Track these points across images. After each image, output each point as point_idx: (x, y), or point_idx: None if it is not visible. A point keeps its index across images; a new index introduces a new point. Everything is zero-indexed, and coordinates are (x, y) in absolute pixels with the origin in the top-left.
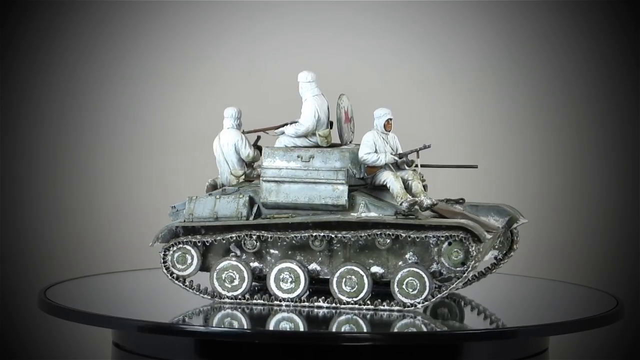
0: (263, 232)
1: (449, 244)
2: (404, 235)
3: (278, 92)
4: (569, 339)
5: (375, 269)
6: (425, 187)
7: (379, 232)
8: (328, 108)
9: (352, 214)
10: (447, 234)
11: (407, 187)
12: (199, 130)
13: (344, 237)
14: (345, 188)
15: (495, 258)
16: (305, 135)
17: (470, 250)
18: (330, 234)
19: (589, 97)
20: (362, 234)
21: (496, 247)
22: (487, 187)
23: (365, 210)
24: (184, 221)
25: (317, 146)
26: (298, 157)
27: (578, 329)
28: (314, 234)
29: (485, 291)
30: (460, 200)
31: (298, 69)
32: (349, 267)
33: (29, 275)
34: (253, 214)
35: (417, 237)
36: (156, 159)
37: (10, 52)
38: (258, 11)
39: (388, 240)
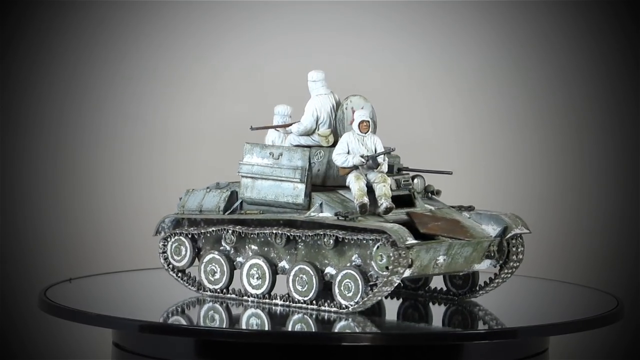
0: (237, 227)
1: (377, 247)
2: (340, 236)
3: (278, 92)
4: (569, 339)
5: (328, 269)
6: (437, 192)
7: (321, 233)
8: (333, 108)
9: (307, 213)
10: (369, 237)
11: (373, 190)
12: (199, 130)
13: (297, 236)
14: (302, 187)
15: (495, 267)
16: (307, 134)
17: (390, 254)
18: (286, 232)
19: (589, 97)
20: (309, 234)
21: (491, 256)
22: (487, 188)
23: (318, 210)
24: (176, 213)
25: (319, 146)
26: (270, 154)
27: (578, 329)
28: (274, 232)
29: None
30: (470, 208)
31: (298, 69)
32: (300, 266)
33: (29, 275)
34: (232, 209)
35: (352, 239)
36: (156, 158)
37: (10, 52)
38: (258, 11)
39: (331, 241)
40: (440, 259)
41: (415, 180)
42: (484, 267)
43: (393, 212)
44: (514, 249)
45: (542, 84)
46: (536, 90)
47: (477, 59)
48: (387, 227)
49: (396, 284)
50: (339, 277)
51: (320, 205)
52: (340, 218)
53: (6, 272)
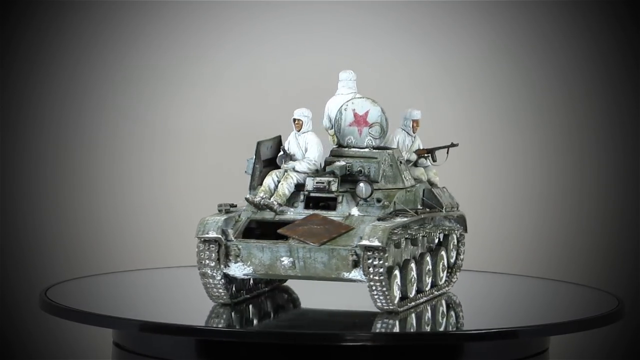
0: None
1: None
2: None
3: (278, 91)
4: (569, 339)
5: None
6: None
7: None
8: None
9: None
10: None
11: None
12: (199, 130)
13: None
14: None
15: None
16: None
17: (197, 246)
18: None
19: (589, 96)
20: None
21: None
22: (487, 188)
23: None
24: None
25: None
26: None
27: (579, 329)
28: None
29: (486, 291)
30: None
31: (298, 69)
32: None
33: (30, 275)
34: None
35: None
36: (156, 159)
37: (10, 51)
38: (258, 11)
39: None
40: (285, 260)
41: (360, 185)
42: (358, 276)
43: (293, 211)
44: (368, 261)
45: (542, 84)
46: (536, 90)
47: (477, 59)
48: (201, 219)
49: (218, 278)
50: None
51: None
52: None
53: (7, 271)
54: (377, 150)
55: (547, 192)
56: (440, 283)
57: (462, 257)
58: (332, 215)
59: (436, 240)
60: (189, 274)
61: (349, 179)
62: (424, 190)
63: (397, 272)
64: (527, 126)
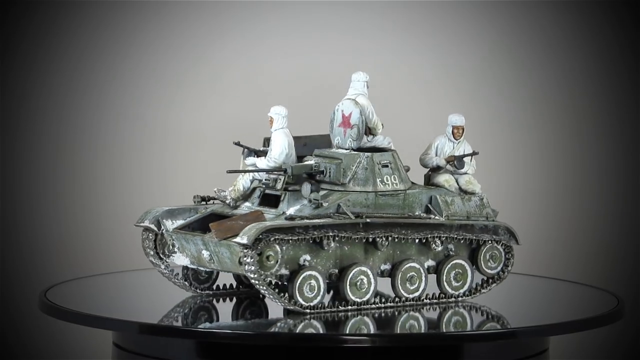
0: None
1: None
2: None
3: (278, 91)
4: (569, 338)
5: None
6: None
7: None
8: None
9: None
10: None
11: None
12: (199, 130)
13: None
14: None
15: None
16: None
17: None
18: None
19: (589, 96)
20: None
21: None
22: (487, 187)
23: None
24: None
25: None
26: None
27: (579, 329)
28: None
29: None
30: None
31: (298, 69)
32: None
33: (30, 276)
34: None
35: None
36: (156, 158)
37: (10, 51)
38: (258, 11)
39: None
40: (204, 253)
41: (302, 185)
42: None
43: (248, 206)
44: (244, 258)
45: (542, 84)
46: (536, 90)
47: (477, 59)
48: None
49: (162, 267)
50: None
51: None
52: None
53: (7, 272)
54: (354, 152)
55: (547, 191)
56: (452, 292)
57: (498, 268)
58: (271, 212)
59: (434, 247)
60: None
61: (317, 178)
62: (431, 197)
63: (307, 273)
64: (528, 126)
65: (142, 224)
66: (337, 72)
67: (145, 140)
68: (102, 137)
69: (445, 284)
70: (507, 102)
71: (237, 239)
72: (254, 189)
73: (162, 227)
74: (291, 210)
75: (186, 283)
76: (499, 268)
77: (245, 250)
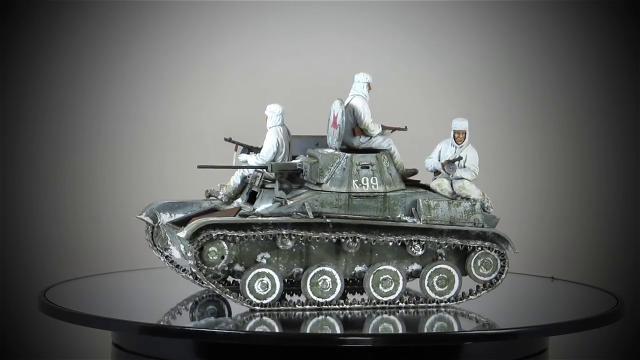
0: None
1: None
2: None
3: (278, 91)
4: (569, 338)
5: None
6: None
7: None
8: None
9: None
10: None
11: None
12: (199, 129)
13: None
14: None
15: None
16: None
17: None
18: None
19: (589, 96)
20: None
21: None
22: (486, 187)
23: None
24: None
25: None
26: None
27: (578, 329)
28: None
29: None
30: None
31: (298, 69)
32: None
33: (29, 276)
34: None
35: None
36: (156, 158)
37: (10, 51)
38: (258, 11)
39: None
40: (182, 247)
41: (275, 183)
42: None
43: (237, 202)
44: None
45: (542, 84)
46: (536, 91)
47: (478, 59)
48: None
49: (162, 260)
50: None
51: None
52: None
53: (6, 272)
54: (334, 153)
55: (547, 190)
56: (436, 296)
57: (492, 275)
58: (247, 208)
59: (413, 251)
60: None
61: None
62: (415, 200)
63: (259, 270)
64: (528, 125)
65: (139, 216)
66: (339, 72)
67: (145, 140)
68: (102, 137)
69: (427, 288)
70: (507, 102)
71: (179, 233)
72: (245, 185)
73: (159, 220)
74: (260, 208)
75: (190, 277)
76: (493, 275)
77: (188, 245)
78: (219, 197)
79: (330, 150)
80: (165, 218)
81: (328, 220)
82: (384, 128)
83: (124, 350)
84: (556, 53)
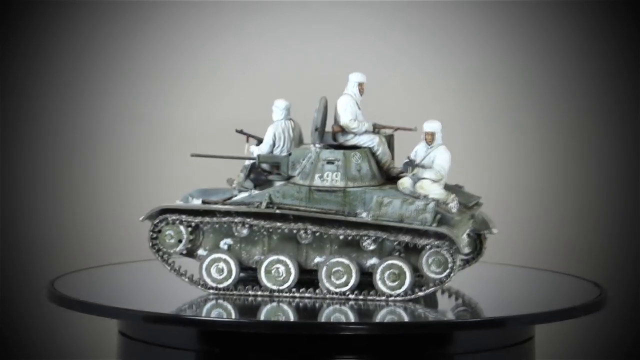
0: None
1: None
2: None
3: (278, 91)
4: (554, 326)
5: None
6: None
7: None
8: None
9: None
10: None
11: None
12: (200, 126)
13: None
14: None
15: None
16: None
17: None
18: None
19: (589, 96)
20: None
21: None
22: (473, 180)
23: None
24: None
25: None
26: None
27: (563, 317)
28: None
29: (474, 279)
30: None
31: (297, 69)
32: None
33: (37, 267)
34: None
35: None
36: (163, 153)
37: (10, 51)
38: (258, 11)
39: None
40: None
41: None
42: None
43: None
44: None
45: (541, 83)
46: (536, 88)
47: (478, 59)
48: None
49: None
50: None
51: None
52: None
53: (15, 263)
54: (306, 147)
55: (535, 184)
56: (387, 291)
57: (443, 274)
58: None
59: (364, 246)
60: (190, 264)
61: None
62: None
63: (216, 255)
64: (526, 126)
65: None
66: (336, 71)
67: (148, 134)
68: (108, 130)
69: (379, 282)
70: (507, 102)
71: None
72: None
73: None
74: (238, 197)
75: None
76: (444, 274)
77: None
78: (232, 185)
79: (305, 145)
80: (197, 203)
81: (277, 211)
82: (380, 127)
83: (129, 338)
84: (557, 53)
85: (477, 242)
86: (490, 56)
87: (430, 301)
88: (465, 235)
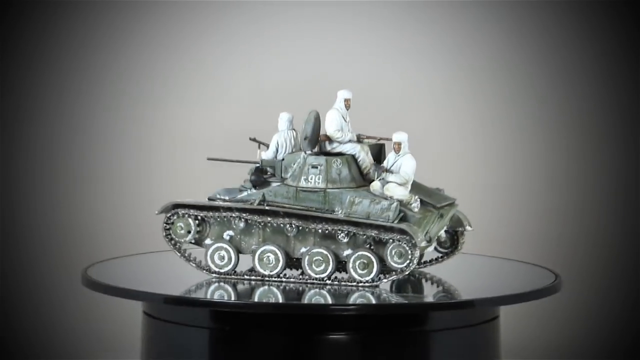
0: None
1: None
2: None
3: (278, 91)
4: (516, 307)
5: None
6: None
7: None
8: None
9: None
10: None
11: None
12: (201, 128)
13: None
14: None
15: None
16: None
17: None
18: None
19: (584, 96)
20: None
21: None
22: (456, 176)
23: None
24: None
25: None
26: None
27: (524, 299)
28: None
29: (454, 269)
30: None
31: (297, 69)
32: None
33: (71, 256)
34: None
35: None
36: (172, 158)
37: (9, 51)
38: (258, 11)
39: None
40: None
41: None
42: None
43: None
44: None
45: (541, 83)
46: (530, 89)
47: (478, 59)
48: None
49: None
50: None
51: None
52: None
53: (53, 252)
54: (296, 153)
55: (507, 182)
56: (359, 278)
57: (404, 264)
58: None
59: (340, 239)
60: (198, 252)
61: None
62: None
63: (218, 244)
64: (527, 126)
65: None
66: (336, 72)
67: (155, 135)
68: (119, 127)
69: (351, 270)
70: (507, 102)
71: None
72: None
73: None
74: (239, 195)
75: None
76: (405, 264)
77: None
78: (242, 186)
79: (296, 152)
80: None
81: (267, 207)
82: (364, 137)
83: (152, 317)
84: (560, 52)
85: (455, 238)
86: (490, 56)
87: (416, 287)
88: (442, 232)
